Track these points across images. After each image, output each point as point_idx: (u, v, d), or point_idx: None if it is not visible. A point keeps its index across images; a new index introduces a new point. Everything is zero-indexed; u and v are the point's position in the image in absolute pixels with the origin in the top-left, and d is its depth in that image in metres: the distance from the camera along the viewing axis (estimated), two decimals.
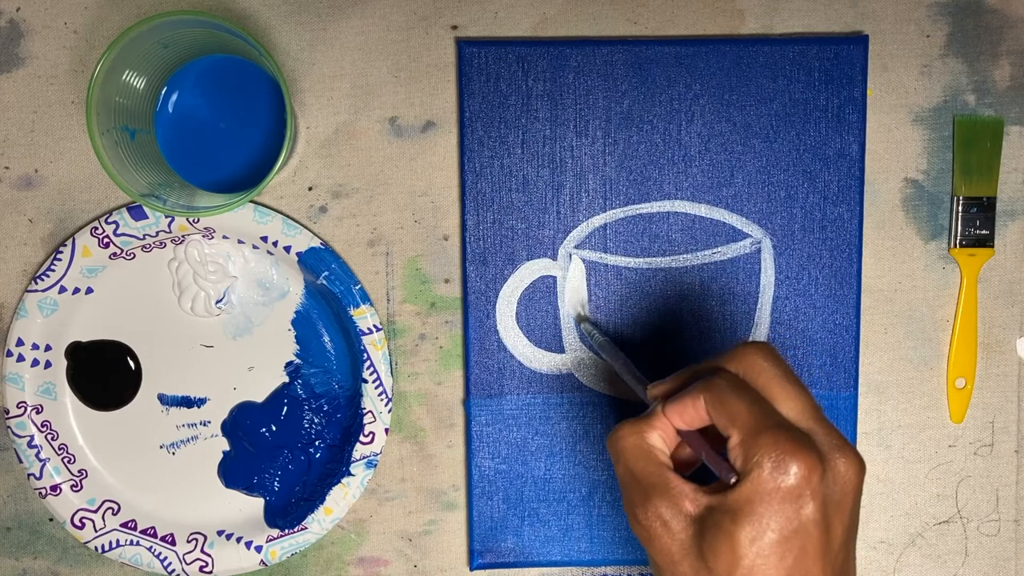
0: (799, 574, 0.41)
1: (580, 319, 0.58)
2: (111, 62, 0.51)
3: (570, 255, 0.59)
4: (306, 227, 0.59)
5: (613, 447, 0.46)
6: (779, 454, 0.40)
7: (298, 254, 0.58)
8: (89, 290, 0.59)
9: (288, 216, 0.59)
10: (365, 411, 0.59)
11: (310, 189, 0.59)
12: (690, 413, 0.44)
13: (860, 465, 0.43)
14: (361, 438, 0.59)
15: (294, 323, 0.60)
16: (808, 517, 0.40)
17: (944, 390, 0.60)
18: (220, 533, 0.60)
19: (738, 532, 0.40)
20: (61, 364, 0.59)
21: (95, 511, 0.60)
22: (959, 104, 0.59)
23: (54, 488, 0.59)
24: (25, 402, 0.59)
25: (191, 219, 0.57)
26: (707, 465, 0.44)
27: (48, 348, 0.59)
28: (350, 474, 0.59)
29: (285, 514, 0.60)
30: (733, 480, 0.41)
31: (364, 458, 0.59)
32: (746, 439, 0.41)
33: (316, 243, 0.58)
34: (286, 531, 0.59)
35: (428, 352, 0.60)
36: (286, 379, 0.60)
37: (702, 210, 0.58)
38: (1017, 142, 0.59)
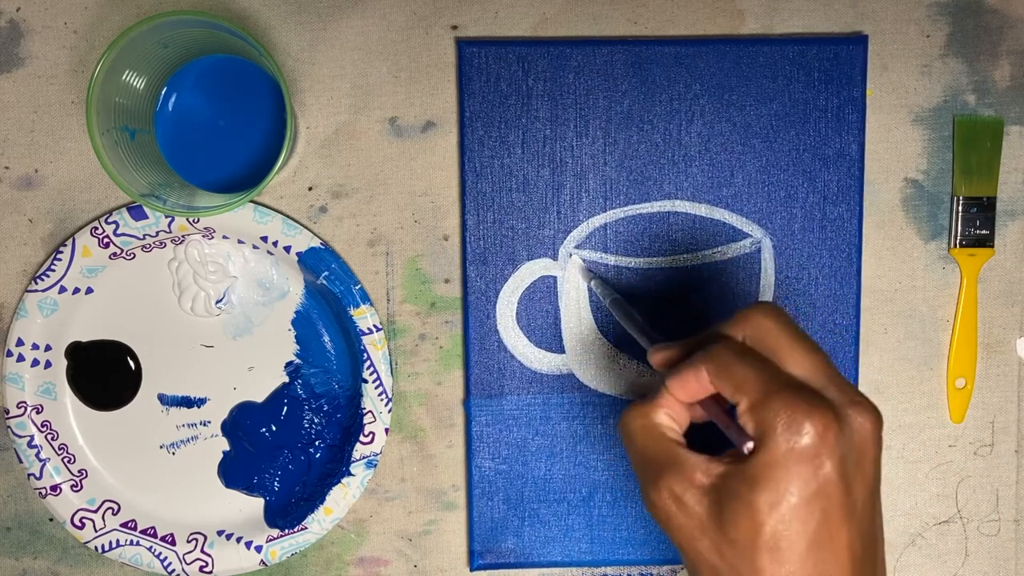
0: (824, 538, 0.39)
1: (589, 277, 0.57)
2: (111, 62, 0.51)
3: (570, 255, 0.59)
4: (306, 227, 0.59)
5: (621, 432, 0.45)
6: (791, 414, 0.39)
7: (298, 254, 0.58)
8: (89, 290, 0.59)
9: (288, 216, 0.59)
10: (365, 411, 0.59)
11: (310, 189, 0.59)
12: (693, 386, 0.43)
13: (877, 418, 0.41)
14: (361, 438, 0.59)
15: (294, 323, 0.60)
16: (827, 477, 0.39)
17: (944, 390, 0.60)
18: (220, 533, 0.60)
19: (756, 499, 0.39)
20: (61, 364, 0.59)
21: (95, 511, 0.60)
22: (959, 104, 0.59)
23: (54, 488, 0.59)
24: (25, 402, 0.59)
25: (191, 219, 0.57)
26: (725, 434, 0.43)
27: (48, 348, 0.59)
28: (350, 474, 0.59)
29: (285, 514, 0.60)
30: (749, 447, 0.40)
31: (364, 458, 0.59)
32: (755, 404, 0.40)
33: (316, 243, 0.58)
34: (286, 531, 0.59)
35: (428, 352, 0.60)
36: (286, 379, 0.60)
37: (702, 210, 0.58)
38: (1017, 142, 0.59)
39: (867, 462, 0.41)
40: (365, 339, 0.59)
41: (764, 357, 0.42)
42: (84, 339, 0.59)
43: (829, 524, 0.39)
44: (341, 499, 0.59)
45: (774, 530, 0.39)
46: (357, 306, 0.58)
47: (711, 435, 0.45)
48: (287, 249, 0.58)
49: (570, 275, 0.59)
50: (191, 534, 0.60)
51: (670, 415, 0.45)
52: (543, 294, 0.59)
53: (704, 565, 0.41)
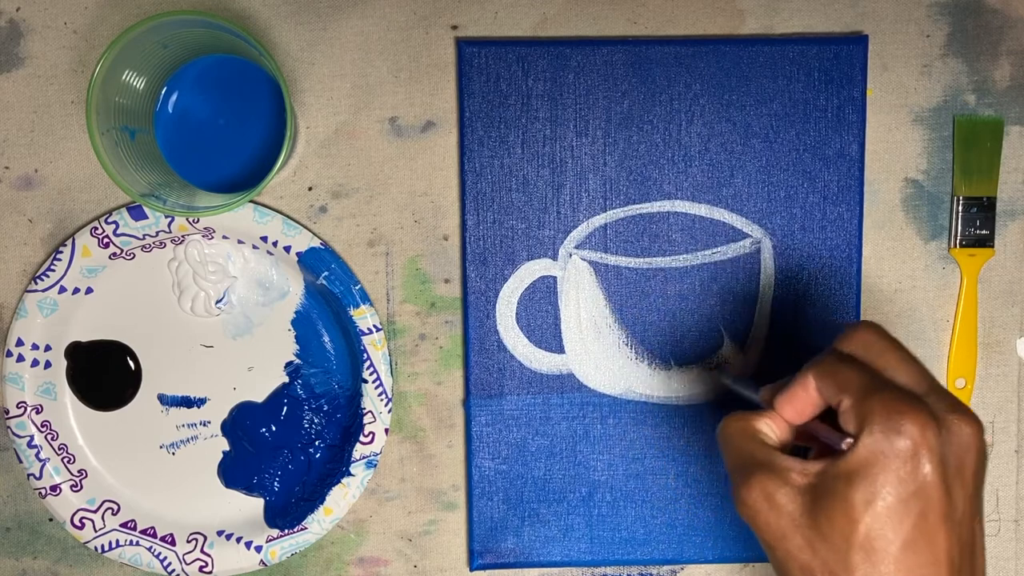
0: (920, 541, 0.39)
1: (722, 377, 0.56)
2: (111, 62, 0.51)
3: (570, 255, 0.59)
4: (306, 227, 0.59)
5: (720, 436, 0.45)
6: (891, 414, 0.39)
7: (298, 254, 0.58)
8: (89, 290, 0.59)
9: (288, 216, 0.59)
10: (365, 411, 0.59)
11: (310, 189, 0.59)
12: (800, 398, 0.43)
13: (978, 427, 0.41)
14: (361, 438, 0.59)
15: (294, 323, 0.60)
16: (926, 478, 0.39)
17: None
18: (220, 533, 0.60)
19: (852, 495, 0.39)
20: (61, 364, 0.59)
21: (95, 511, 0.60)
22: (959, 104, 0.59)
23: (54, 488, 0.59)
24: (25, 402, 0.59)
25: (191, 219, 0.57)
26: (824, 442, 0.43)
27: (48, 348, 0.59)
28: (350, 474, 0.59)
29: (285, 514, 0.60)
30: (848, 443, 0.40)
31: (364, 458, 0.59)
32: (857, 402, 0.40)
33: (316, 243, 0.58)
34: (286, 531, 0.59)
35: (428, 352, 0.60)
36: (286, 379, 0.60)
37: (702, 210, 0.58)
38: (1017, 142, 0.59)
39: (967, 470, 0.41)
40: (365, 339, 0.59)
41: (867, 364, 0.43)
42: (84, 339, 0.59)
43: (926, 527, 0.39)
44: (341, 499, 0.59)
45: (868, 528, 0.39)
46: (357, 306, 0.58)
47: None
48: (287, 249, 0.58)
49: (571, 276, 0.59)
50: (191, 534, 0.60)
51: (771, 427, 0.45)
52: (543, 294, 0.59)
53: (795, 563, 0.41)
